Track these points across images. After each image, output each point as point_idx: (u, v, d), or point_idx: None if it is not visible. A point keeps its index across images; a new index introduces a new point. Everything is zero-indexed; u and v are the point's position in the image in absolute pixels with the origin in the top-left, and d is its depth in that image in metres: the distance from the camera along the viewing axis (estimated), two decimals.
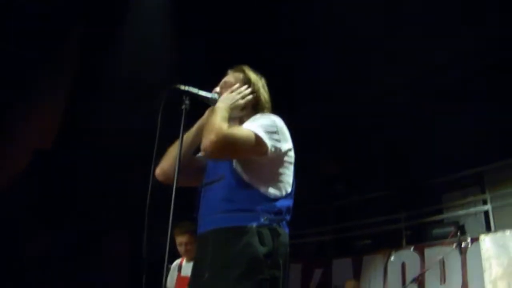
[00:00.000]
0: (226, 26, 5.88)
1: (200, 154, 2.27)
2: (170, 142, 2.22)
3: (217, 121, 1.96)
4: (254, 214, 1.93)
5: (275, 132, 2.02)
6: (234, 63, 2.40)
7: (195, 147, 2.23)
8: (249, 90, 2.20)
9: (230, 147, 1.93)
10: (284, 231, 2.00)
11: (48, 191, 8.38)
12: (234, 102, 2.12)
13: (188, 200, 2.26)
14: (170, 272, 4.18)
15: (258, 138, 1.96)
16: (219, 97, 2.20)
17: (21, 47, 6.55)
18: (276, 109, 2.29)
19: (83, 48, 6.68)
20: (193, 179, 2.24)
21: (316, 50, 5.90)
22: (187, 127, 2.17)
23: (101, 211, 8.47)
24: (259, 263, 1.85)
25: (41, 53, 6.76)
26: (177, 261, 4.25)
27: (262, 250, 1.87)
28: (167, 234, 1.89)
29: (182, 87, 2.10)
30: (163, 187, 2.11)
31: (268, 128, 2.01)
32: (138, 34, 6.11)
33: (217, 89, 2.26)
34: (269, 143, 1.98)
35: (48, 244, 8.70)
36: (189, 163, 2.21)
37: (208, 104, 2.21)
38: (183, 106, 2.08)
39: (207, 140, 1.91)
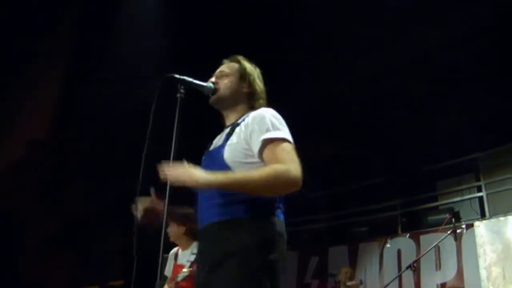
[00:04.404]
0: (221, 16, 5.84)
1: None
2: (165, 130, 2.12)
3: (257, 176, 1.92)
4: (248, 205, 1.94)
5: (284, 126, 2.06)
6: (229, 51, 2.37)
7: None
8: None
9: (300, 171, 1.95)
10: (279, 219, 2.01)
11: (45, 180, 8.37)
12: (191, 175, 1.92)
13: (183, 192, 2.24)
14: (168, 261, 4.22)
15: (290, 143, 2.01)
16: (214, 86, 2.20)
17: (13, 36, 6.49)
18: (270, 93, 2.28)
19: (77, 36, 6.62)
20: None
21: (309, 28, 5.85)
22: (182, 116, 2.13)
23: (96, 201, 8.47)
24: (255, 253, 1.88)
25: (34, 42, 6.69)
26: (174, 250, 4.27)
27: (256, 239, 1.89)
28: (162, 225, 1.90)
29: (177, 76, 2.12)
30: (157, 179, 2.09)
31: (282, 126, 2.05)
32: (133, 22, 6.07)
33: (213, 79, 2.25)
34: (291, 140, 2.03)
35: (42, 234, 8.72)
36: None
37: (203, 92, 2.20)
38: (178, 95, 2.10)
39: (295, 186, 1.91)
